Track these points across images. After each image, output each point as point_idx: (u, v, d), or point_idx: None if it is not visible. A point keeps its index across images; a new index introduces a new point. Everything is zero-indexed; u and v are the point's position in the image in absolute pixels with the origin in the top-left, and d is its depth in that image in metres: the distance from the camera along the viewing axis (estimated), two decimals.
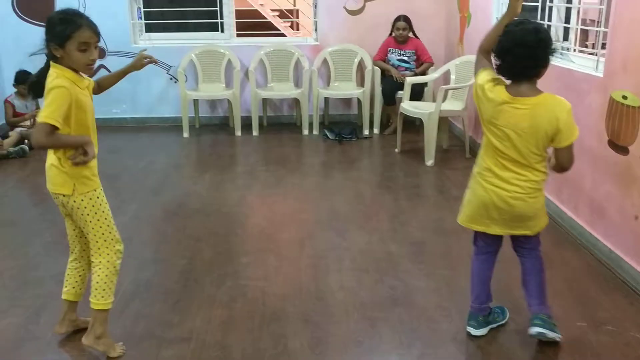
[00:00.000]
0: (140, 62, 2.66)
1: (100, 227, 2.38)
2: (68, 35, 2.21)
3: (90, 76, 2.41)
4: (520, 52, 2.26)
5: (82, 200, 2.33)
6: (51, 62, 2.26)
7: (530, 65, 2.29)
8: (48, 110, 2.14)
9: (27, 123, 5.75)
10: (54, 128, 2.14)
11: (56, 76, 2.22)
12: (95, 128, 2.38)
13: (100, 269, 2.41)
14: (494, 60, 2.41)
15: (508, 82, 2.37)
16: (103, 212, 2.39)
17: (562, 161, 2.35)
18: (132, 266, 3.22)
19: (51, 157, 2.33)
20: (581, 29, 4.05)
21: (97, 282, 2.41)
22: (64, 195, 2.33)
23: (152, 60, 2.69)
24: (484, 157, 2.46)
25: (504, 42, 2.31)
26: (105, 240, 2.40)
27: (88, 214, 2.35)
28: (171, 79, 6.49)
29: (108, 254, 2.42)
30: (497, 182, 2.41)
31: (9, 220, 3.96)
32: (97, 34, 2.28)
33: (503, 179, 2.39)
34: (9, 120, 5.79)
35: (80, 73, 2.30)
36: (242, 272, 3.20)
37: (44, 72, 2.27)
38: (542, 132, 2.29)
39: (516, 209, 2.41)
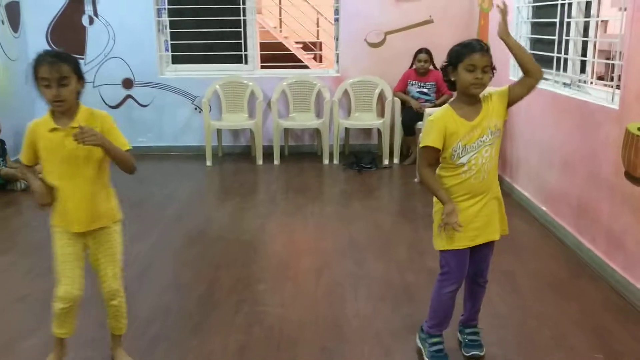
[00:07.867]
0: None
1: None
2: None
3: (63, 112, 2.24)
4: None
5: None
6: None
7: None
8: None
9: None
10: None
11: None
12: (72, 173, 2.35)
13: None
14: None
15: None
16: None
17: None
18: (152, 291, 3.32)
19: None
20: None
21: (125, 310, 2.54)
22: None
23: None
24: None
25: None
26: None
27: None
28: (196, 109, 6.66)
29: None
30: None
31: (38, 244, 4.06)
32: (56, 69, 2.11)
33: None
34: None
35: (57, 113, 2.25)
36: (259, 298, 3.25)
37: None
38: None
39: None
